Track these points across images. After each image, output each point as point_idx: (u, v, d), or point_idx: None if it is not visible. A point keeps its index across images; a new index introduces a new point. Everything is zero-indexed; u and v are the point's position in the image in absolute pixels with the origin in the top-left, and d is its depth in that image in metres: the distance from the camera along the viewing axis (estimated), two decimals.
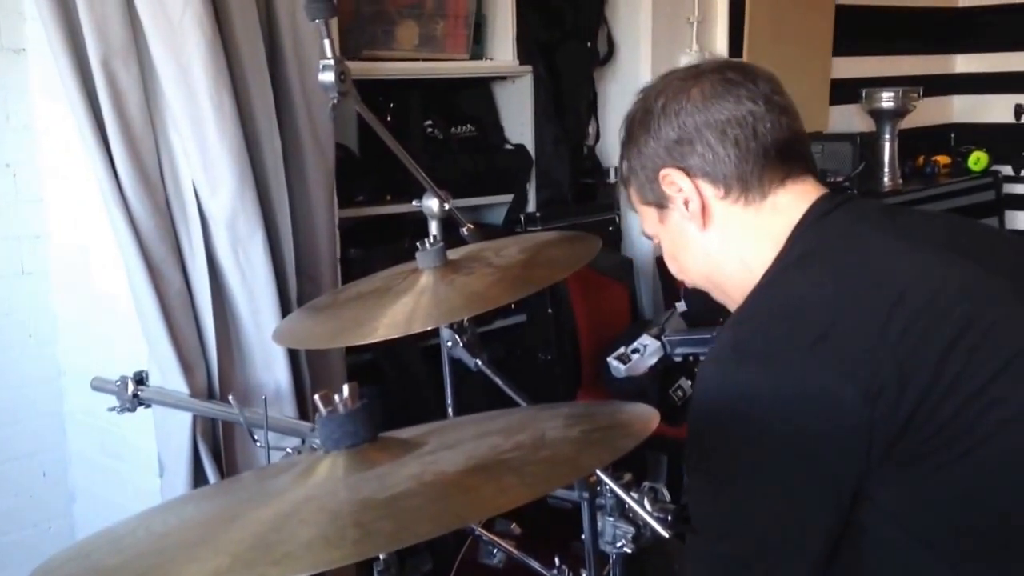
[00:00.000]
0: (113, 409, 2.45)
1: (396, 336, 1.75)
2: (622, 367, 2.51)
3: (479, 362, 2.16)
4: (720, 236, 1.65)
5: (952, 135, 5.28)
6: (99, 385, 2.47)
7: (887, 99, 4.68)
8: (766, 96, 1.62)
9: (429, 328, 1.80)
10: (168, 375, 2.53)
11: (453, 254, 2.01)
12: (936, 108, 5.27)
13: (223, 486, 1.56)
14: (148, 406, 2.47)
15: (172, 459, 2.62)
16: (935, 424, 1.36)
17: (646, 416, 1.27)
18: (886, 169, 4.75)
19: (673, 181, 1.63)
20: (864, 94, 4.73)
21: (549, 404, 1.51)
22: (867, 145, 4.65)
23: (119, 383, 2.43)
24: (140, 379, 2.44)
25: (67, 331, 3.03)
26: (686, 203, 1.64)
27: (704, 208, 1.63)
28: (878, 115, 4.73)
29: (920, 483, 1.40)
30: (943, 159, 5.06)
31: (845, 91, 4.77)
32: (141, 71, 2.46)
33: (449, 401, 2.29)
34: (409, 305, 1.83)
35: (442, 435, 1.32)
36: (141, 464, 2.75)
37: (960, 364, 1.37)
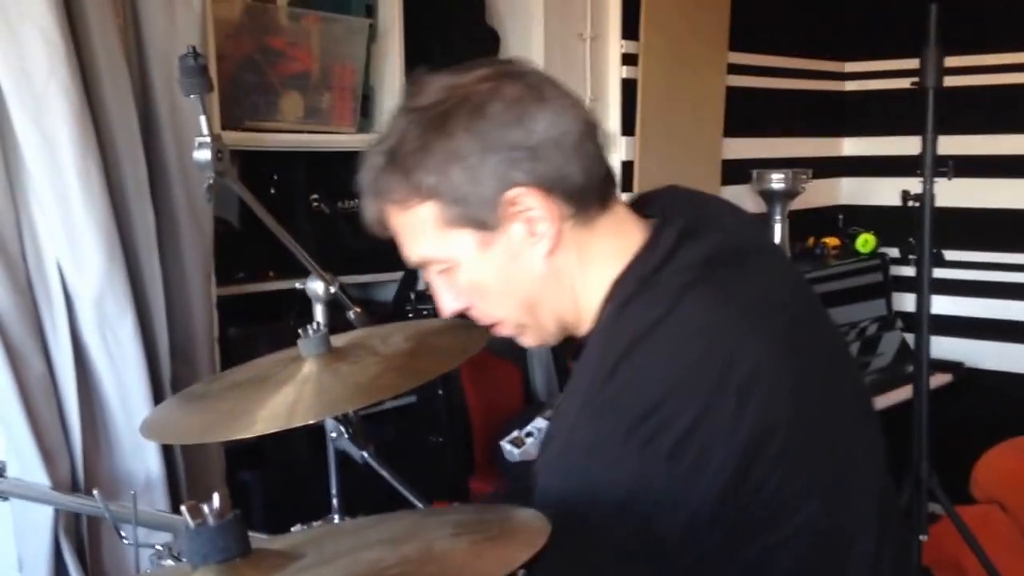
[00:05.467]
0: None
1: (275, 431, 1.64)
2: (516, 451, 2.43)
3: (365, 455, 2.06)
4: (564, 261, 1.52)
5: (841, 217, 5.32)
6: None
7: (777, 180, 4.67)
8: (580, 102, 1.52)
9: (311, 422, 1.71)
10: (28, 465, 2.37)
11: (337, 340, 1.91)
12: (825, 190, 5.32)
13: None
14: (6, 499, 2.33)
15: (32, 556, 2.45)
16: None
17: (537, 525, 1.18)
18: None
19: (521, 201, 1.46)
20: (755, 175, 4.73)
21: (437, 508, 1.42)
22: None
23: None
24: None
25: None
26: (530, 224, 1.48)
27: (556, 231, 1.49)
28: (768, 196, 4.72)
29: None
30: (832, 240, 5.08)
31: (736, 171, 4.76)
32: (1, 142, 2.33)
33: (334, 498, 2.19)
34: (290, 396, 1.74)
35: (320, 545, 1.23)
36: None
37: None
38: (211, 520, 1.10)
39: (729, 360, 1.37)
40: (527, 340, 1.64)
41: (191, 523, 1.10)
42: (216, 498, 1.11)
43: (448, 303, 1.61)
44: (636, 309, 1.44)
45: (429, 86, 1.49)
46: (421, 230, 1.52)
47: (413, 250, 1.56)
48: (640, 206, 1.60)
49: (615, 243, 1.52)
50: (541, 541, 1.13)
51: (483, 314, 1.61)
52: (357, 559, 1.15)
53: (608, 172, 1.53)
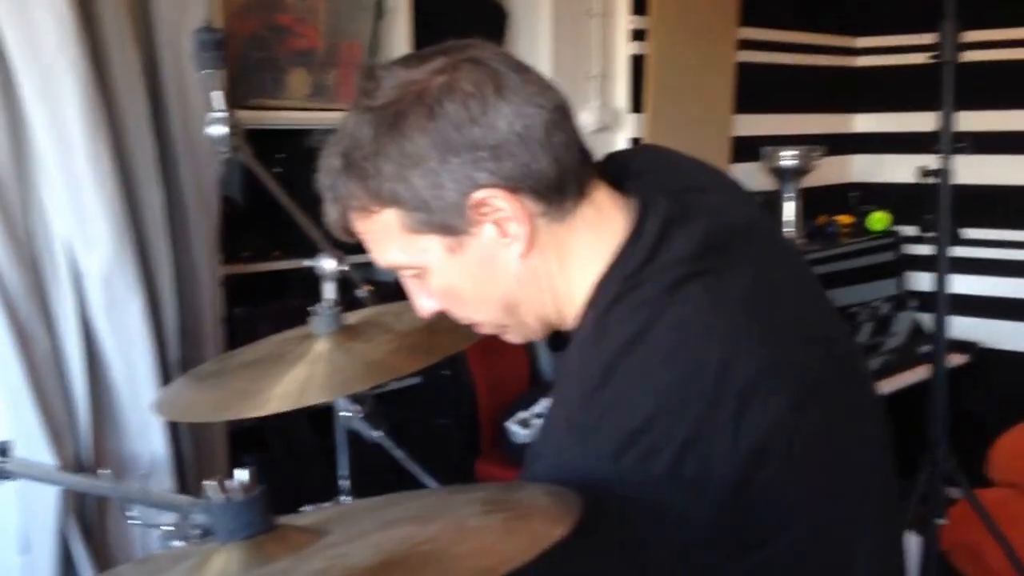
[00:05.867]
0: None
1: (288, 409, 1.60)
2: (522, 432, 2.39)
3: (379, 435, 2.01)
4: (541, 260, 1.42)
5: (853, 194, 5.28)
6: None
7: (789, 158, 4.62)
8: (548, 83, 1.41)
9: (324, 401, 1.67)
10: (34, 445, 2.34)
11: (350, 318, 1.87)
12: (837, 167, 5.28)
13: None
14: (12, 479, 2.22)
15: (38, 536, 2.42)
16: None
17: (568, 502, 1.13)
18: (789, 228, 4.69)
19: (489, 203, 1.37)
20: (766, 152, 4.68)
21: (460, 486, 1.36)
22: (769, 204, 4.61)
23: None
24: (3, 449, 2.18)
25: None
26: (501, 226, 1.39)
27: (529, 230, 1.40)
28: (780, 173, 4.68)
29: None
30: (844, 219, 5.04)
31: (746, 149, 4.72)
32: (10, 118, 2.29)
33: (345, 477, 2.14)
34: (302, 375, 1.71)
35: (345, 522, 1.20)
36: (2, 541, 2.52)
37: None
38: (237, 496, 1.08)
39: (724, 368, 1.30)
40: (510, 338, 1.57)
41: (217, 498, 1.07)
42: (242, 473, 1.09)
43: (424, 307, 1.53)
44: (620, 314, 1.36)
45: (383, 82, 1.39)
46: (386, 236, 1.44)
47: (381, 256, 1.48)
48: (618, 177, 1.50)
49: (595, 236, 1.43)
50: (573, 518, 1.09)
51: (461, 317, 1.53)
52: (387, 536, 1.11)
53: (583, 156, 1.44)
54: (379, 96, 1.38)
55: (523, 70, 1.40)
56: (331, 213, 1.47)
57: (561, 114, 1.39)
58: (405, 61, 1.42)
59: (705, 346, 1.31)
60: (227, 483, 1.08)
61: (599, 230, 1.42)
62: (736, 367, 1.30)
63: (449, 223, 1.39)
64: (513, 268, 1.42)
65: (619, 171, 1.51)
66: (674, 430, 1.26)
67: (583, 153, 1.43)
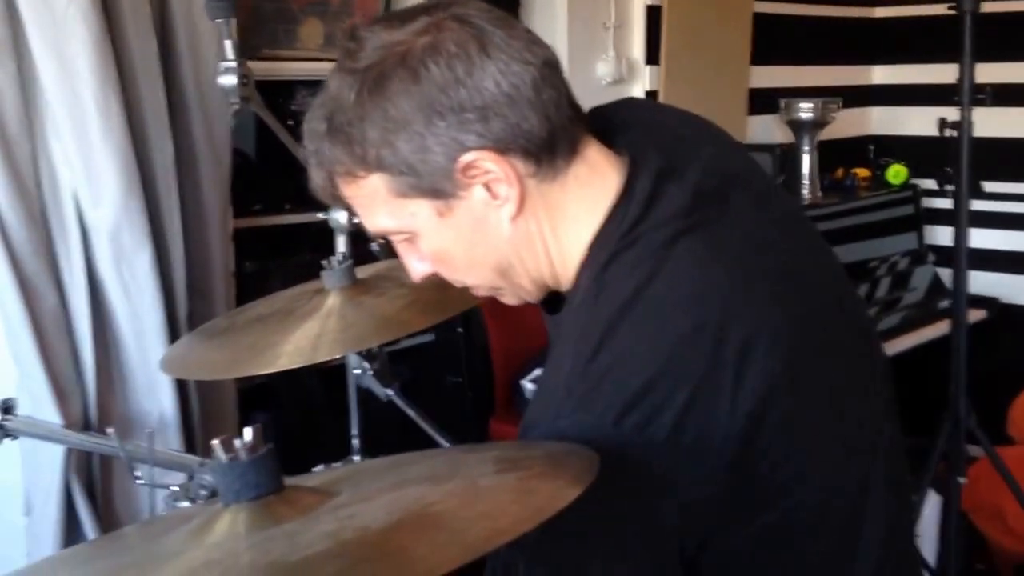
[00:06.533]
0: None
1: (300, 366, 1.57)
2: None
3: (390, 392, 1.98)
4: (534, 221, 1.38)
5: (871, 147, 5.21)
6: None
7: (806, 110, 4.56)
8: (536, 38, 1.37)
9: (336, 357, 1.64)
10: (39, 403, 2.32)
11: (362, 272, 1.84)
12: (855, 120, 5.22)
13: (103, 545, 1.37)
14: (15, 437, 2.23)
15: (41, 497, 2.41)
16: None
17: (585, 460, 1.10)
18: (806, 181, 4.65)
19: (478, 165, 1.32)
20: (783, 104, 4.63)
21: (473, 445, 1.34)
22: (786, 157, 4.55)
23: None
24: (7, 407, 2.20)
25: None
26: (491, 188, 1.35)
27: (521, 192, 1.35)
28: (797, 126, 4.63)
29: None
30: (862, 172, 4.98)
31: (762, 101, 4.67)
32: (19, 69, 2.26)
33: (355, 436, 2.11)
34: (314, 330, 1.69)
35: (355, 482, 1.16)
36: (5, 502, 2.52)
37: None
38: (243, 455, 1.04)
39: (722, 327, 1.26)
40: (506, 300, 1.53)
41: (223, 457, 1.04)
42: (248, 432, 1.05)
43: (416, 270, 1.49)
44: (615, 275, 1.32)
45: (365, 43, 1.35)
46: (373, 201, 1.40)
47: (369, 221, 1.44)
48: (604, 132, 1.45)
49: (588, 194, 1.39)
50: (591, 476, 1.06)
51: (454, 280, 1.50)
52: (399, 496, 1.08)
53: (575, 113, 1.39)
54: (362, 58, 1.34)
55: (509, 26, 1.36)
56: (317, 178, 1.43)
57: (550, 70, 1.36)
58: (388, 20, 1.38)
59: (704, 304, 1.28)
60: (234, 442, 1.04)
61: (592, 187, 1.39)
62: (735, 324, 1.27)
63: (437, 187, 1.35)
64: (505, 230, 1.38)
65: (605, 126, 1.46)
66: (675, 392, 1.23)
67: (574, 109, 1.39)
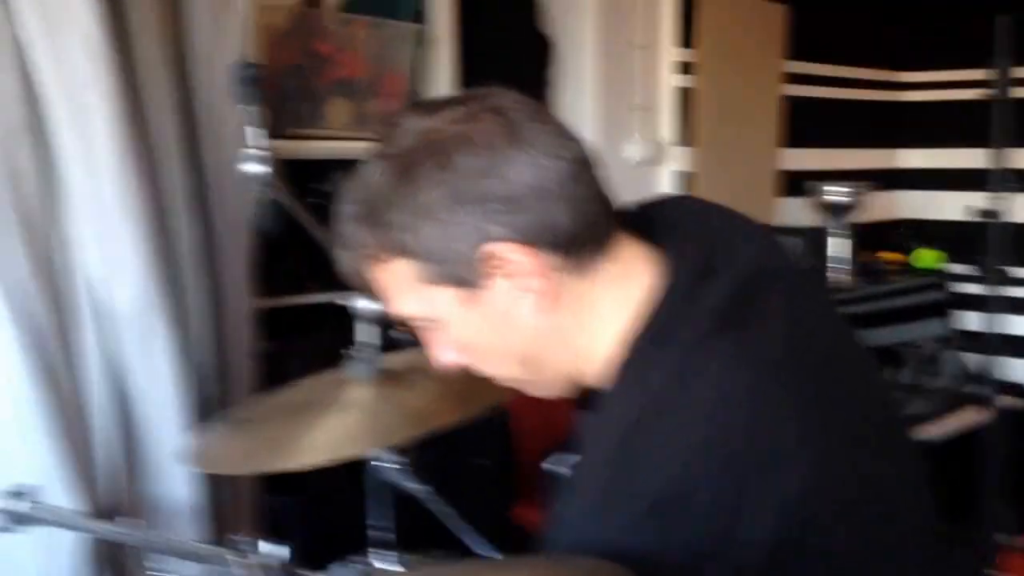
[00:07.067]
0: None
1: (323, 463, 1.53)
2: (564, 476, 2.30)
3: (420, 490, 1.94)
4: (559, 315, 1.37)
5: (901, 231, 5.21)
6: None
7: (837, 193, 4.56)
8: (570, 133, 1.37)
9: (362, 454, 1.60)
10: (54, 489, 2.25)
11: (388, 361, 1.80)
12: (885, 203, 5.21)
13: None
14: (30, 525, 2.12)
15: None
16: None
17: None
18: (836, 265, 4.60)
19: (502, 256, 1.32)
20: (813, 187, 4.61)
21: (507, 561, 1.30)
22: (817, 240, 4.53)
23: None
24: (20, 493, 2.10)
25: None
26: (514, 279, 1.34)
27: (547, 284, 1.34)
28: (828, 209, 4.61)
29: None
30: (892, 256, 4.98)
31: (792, 184, 4.67)
32: (40, 149, 2.23)
33: (373, 528, 2.06)
34: (339, 424, 1.67)
35: None
36: None
37: None
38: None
39: (754, 429, 1.23)
40: (532, 393, 1.52)
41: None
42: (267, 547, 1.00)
43: (440, 359, 1.48)
44: (646, 374, 1.30)
45: (400, 128, 1.36)
46: (398, 286, 1.40)
47: (394, 306, 1.43)
48: (645, 229, 1.44)
49: (619, 291, 1.37)
50: None
51: (479, 371, 1.48)
52: None
53: (607, 209, 1.38)
54: (395, 143, 1.35)
55: (544, 120, 1.36)
56: (345, 260, 1.43)
57: (583, 166, 1.35)
58: (425, 107, 1.39)
59: (735, 406, 1.25)
60: (250, 555, 0.99)
61: (623, 284, 1.38)
62: (767, 428, 1.24)
63: (461, 275, 1.34)
64: (529, 322, 1.38)
65: (645, 222, 1.45)
66: (703, 495, 1.21)
67: (606, 206, 1.38)
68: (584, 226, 1.33)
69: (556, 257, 1.33)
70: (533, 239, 1.31)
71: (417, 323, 1.44)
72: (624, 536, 1.21)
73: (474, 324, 1.39)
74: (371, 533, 2.17)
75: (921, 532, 1.41)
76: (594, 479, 1.28)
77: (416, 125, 1.34)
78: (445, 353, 1.47)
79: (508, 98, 1.36)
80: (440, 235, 1.32)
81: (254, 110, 1.88)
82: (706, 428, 1.23)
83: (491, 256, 1.31)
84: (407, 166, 1.32)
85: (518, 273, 1.33)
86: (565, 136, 1.36)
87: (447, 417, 1.69)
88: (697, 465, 1.21)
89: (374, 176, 1.35)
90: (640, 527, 1.21)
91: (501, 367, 1.45)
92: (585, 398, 1.43)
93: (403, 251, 1.34)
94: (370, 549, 2.17)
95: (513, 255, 1.31)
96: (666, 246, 1.40)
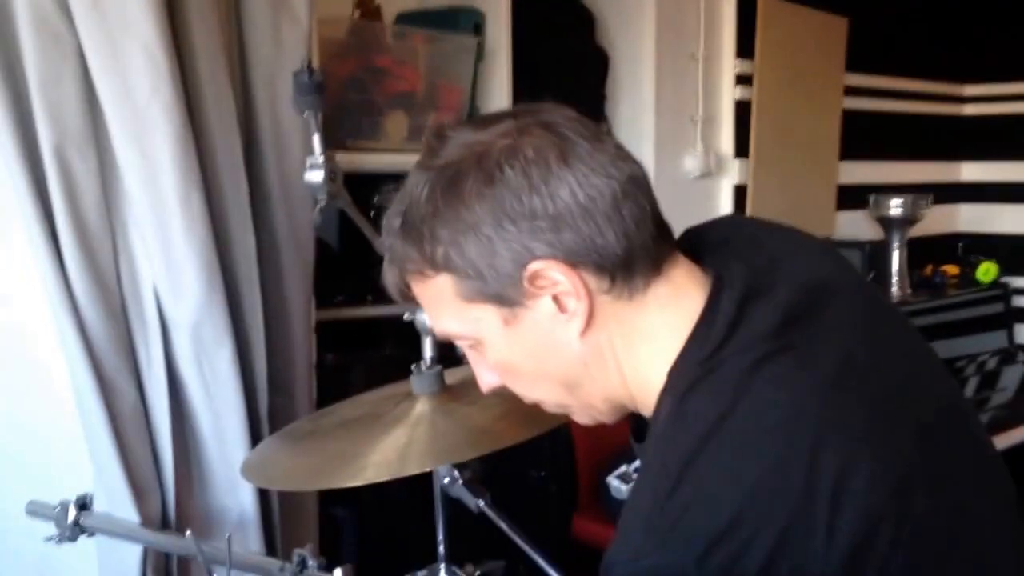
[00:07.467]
0: (51, 539, 2.17)
1: (387, 479, 1.52)
2: (624, 487, 2.30)
3: (481, 503, 1.92)
4: (605, 339, 1.33)
5: (960, 244, 5.18)
6: (35, 510, 2.20)
7: (896, 206, 4.52)
8: (625, 153, 1.32)
9: (426, 470, 1.58)
10: (116, 500, 2.26)
11: (451, 376, 1.78)
12: (944, 216, 5.17)
13: None
14: (92, 535, 2.20)
15: None
16: None
17: None
18: (895, 278, 4.59)
19: (546, 275, 1.28)
20: (872, 200, 4.58)
21: None
22: (876, 253, 4.50)
23: (59, 508, 2.17)
24: (84, 504, 2.18)
25: None
26: (559, 300, 1.30)
27: (590, 307, 1.30)
28: (886, 223, 4.58)
29: None
30: (951, 269, 4.93)
31: (851, 197, 4.63)
32: (100, 162, 2.22)
33: (442, 543, 2.05)
34: (402, 440, 1.65)
35: None
36: None
37: None
38: None
39: (814, 457, 1.17)
40: (578, 419, 1.47)
41: None
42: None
43: (485, 381, 1.45)
44: (697, 403, 1.24)
45: (448, 141, 1.32)
46: (440, 303, 1.36)
47: (436, 323, 1.40)
48: (696, 251, 1.40)
49: (669, 315, 1.32)
50: None
51: (521, 394, 1.44)
52: None
53: (660, 231, 1.33)
54: (441, 156, 1.31)
55: (596, 139, 1.31)
56: (389, 274, 1.40)
57: (634, 186, 1.30)
58: (475, 121, 1.35)
59: (793, 433, 1.19)
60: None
61: (673, 308, 1.33)
62: (828, 454, 1.17)
63: (504, 294, 1.30)
64: (573, 346, 1.33)
65: (697, 244, 1.42)
66: (763, 529, 1.14)
67: (659, 228, 1.33)
68: (633, 248, 1.29)
69: (602, 279, 1.29)
70: (578, 260, 1.27)
71: (460, 342, 1.42)
72: (681, 575, 1.15)
73: (516, 345, 1.35)
74: (437, 546, 2.15)
75: (1004, 556, 1.33)
76: (648, 516, 1.21)
77: (464, 138, 1.31)
78: (489, 376, 1.44)
79: (560, 114, 1.32)
80: (483, 251, 1.28)
81: (316, 118, 1.86)
82: (765, 456, 1.18)
83: (535, 275, 1.28)
84: (452, 179, 1.28)
85: (563, 294, 1.29)
86: (618, 155, 1.31)
87: (511, 436, 1.67)
88: (757, 499, 1.16)
89: (418, 189, 1.31)
90: (700, 565, 1.14)
91: (544, 391, 1.41)
92: (641, 428, 1.39)
93: (446, 266, 1.31)
94: (431, 562, 2.15)
95: (557, 275, 1.27)
96: (717, 268, 1.36)
